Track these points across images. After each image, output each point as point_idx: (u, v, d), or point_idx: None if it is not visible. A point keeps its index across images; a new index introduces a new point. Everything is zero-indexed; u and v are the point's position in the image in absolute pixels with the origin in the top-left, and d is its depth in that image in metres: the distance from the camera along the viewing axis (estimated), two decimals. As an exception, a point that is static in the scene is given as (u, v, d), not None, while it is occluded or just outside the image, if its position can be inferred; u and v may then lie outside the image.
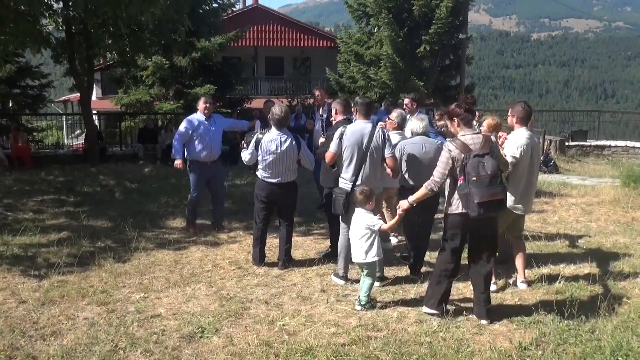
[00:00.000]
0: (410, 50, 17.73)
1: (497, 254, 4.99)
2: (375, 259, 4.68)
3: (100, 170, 11.95)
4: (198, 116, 7.05)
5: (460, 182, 4.22)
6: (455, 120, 4.41)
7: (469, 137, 4.30)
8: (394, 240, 6.70)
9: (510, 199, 4.87)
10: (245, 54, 25.43)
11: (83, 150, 14.53)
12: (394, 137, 5.74)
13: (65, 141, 21.85)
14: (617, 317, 4.40)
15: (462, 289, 5.07)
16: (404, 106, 7.42)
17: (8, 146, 14.55)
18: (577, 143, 16.61)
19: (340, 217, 5.31)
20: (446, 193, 4.46)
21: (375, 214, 4.88)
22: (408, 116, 6.49)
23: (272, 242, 6.32)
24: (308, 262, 5.89)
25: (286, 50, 27.13)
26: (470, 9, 19.13)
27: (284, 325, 4.31)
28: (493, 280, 4.91)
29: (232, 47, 20.44)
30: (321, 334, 4.13)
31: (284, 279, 5.43)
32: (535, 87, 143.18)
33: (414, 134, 5.60)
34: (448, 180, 4.39)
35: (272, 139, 5.63)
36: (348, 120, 6.03)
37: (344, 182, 5.21)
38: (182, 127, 7.03)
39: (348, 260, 5.18)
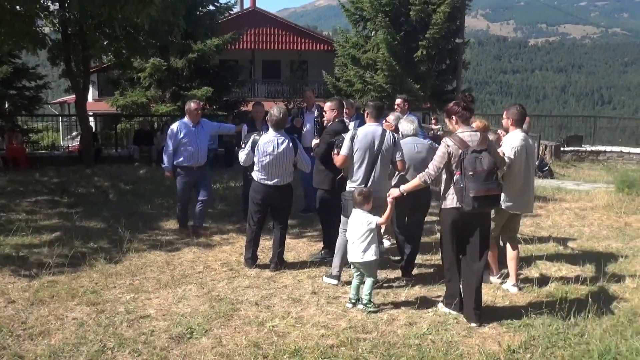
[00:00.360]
0: (407, 54, 17.81)
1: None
2: (373, 258, 4.69)
3: (95, 172, 11.93)
4: (185, 121, 7.00)
5: (456, 176, 4.26)
6: (454, 118, 4.45)
7: (467, 134, 4.35)
8: (386, 242, 6.70)
9: (505, 199, 4.93)
10: (243, 57, 25.45)
11: (78, 152, 14.51)
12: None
13: (62, 143, 21.82)
14: (606, 321, 4.41)
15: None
16: (396, 106, 7.43)
17: (3, 147, 14.52)
18: (572, 148, 16.67)
19: (342, 217, 5.27)
20: (441, 189, 4.50)
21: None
22: (400, 116, 6.53)
23: (265, 245, 6.32)
24: (300, 265, 5.88)
25: (283, 53, 27.20)
26: (468, 14, 19.25)
27: (273, 326, 4.30)
28: (498, 273, 5.09)
29: (229, 50, 20.43)
30: (310, 336, 4.12)
31: (275, 281, 5.42)
32: (532, 92, 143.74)
33: (404, 136, 5.62)
34: (444, 176, 4.43)
35: (269, 141, 5.60)
36: (341, 122, 6.04)
37: (354, 185, 5.11)
38: (169, 140, 6.95)
39: (344, 260, 5.16)
